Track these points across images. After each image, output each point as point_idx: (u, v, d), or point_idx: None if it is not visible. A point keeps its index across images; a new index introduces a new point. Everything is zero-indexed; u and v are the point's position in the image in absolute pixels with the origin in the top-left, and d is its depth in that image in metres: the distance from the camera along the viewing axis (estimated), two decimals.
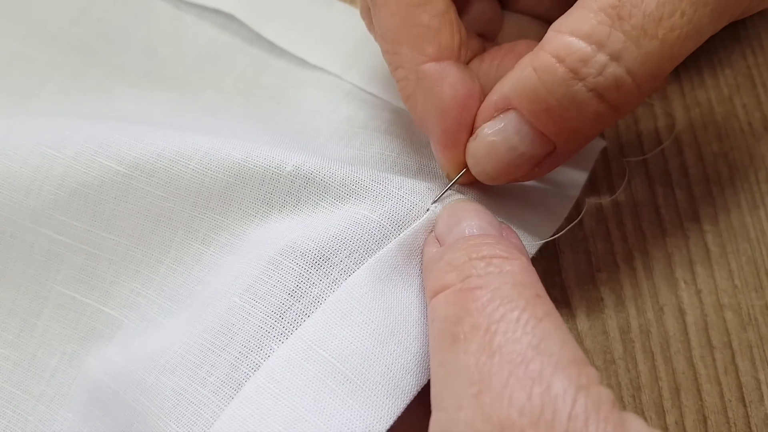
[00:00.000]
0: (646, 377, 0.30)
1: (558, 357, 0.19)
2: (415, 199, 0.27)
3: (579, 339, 0.31)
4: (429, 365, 0.23)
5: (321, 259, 0.25)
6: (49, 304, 0.30)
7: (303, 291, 0.25)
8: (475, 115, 0.26)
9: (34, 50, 0.37)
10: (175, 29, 0.38)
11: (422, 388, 0.23)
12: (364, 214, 0.26)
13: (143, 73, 0.37)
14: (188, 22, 0.38)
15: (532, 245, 0.29)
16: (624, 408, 0.30)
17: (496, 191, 0.29)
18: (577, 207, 0.32)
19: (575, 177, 0.32)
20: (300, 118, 0.34)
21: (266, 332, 0.24)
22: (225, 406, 0.23)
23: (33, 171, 0.29)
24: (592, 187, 0.34)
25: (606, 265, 0.32)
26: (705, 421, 0.29)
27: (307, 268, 0.25)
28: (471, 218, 0.25)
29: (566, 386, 0.18)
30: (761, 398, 0.30)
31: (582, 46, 0.23)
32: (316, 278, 0.25)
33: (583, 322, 0.31)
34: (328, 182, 0.27)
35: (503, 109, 0.25)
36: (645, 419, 0.29)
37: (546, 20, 0.32)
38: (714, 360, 0.31)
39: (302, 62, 0.36)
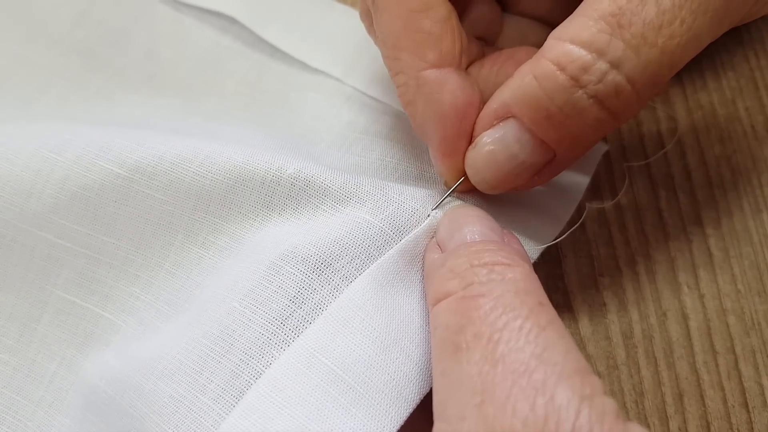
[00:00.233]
0: (649, 383, 0.30)
1: (561, 366, 0.19)
2: (416, 205, 0.27)
3: (582, 344, 0.31)
4: (431, 373, 0.23)
5: (322, 265, 0.25)
6: (48, 308, 0.30)
7: (305, 297, 0.25)
8: (475, 123, 0.26)
9: (35, 54, 0.37)
10: (176, 32, 0.38)
11: (425, 396, 0.23)
12: (365, 218, 0.26)
13: (144, 77, 0.36)
14: (189, 25, 0.38)
15: (534, 250, 0.29)
16: (627, 413, 0.30)
17: (496, 196, 0.29)
18: (579, 211, 0.31)
19: (577, 181, 0.32)
20: (301, 123, 0.34)
21: (268, 339, 0.24)
22: (226, 414, 0.23)
23: (34, 175, 0.29)
24: (594, 191, 0.34)
25: (609, 270, 0.32)
26: (708, 427, 0.29)
27: (308, 273, 0.25)
28: (472, 224, 0.25)
29: (570, 397, 0.18)
30: (764, 404, 0.30)
31: (582, 54, 0.23)
32: (317, 284, 0.25)
33: (585, 327, 0.31)
34: (329, 185, 0.27)
35: (503, 117, 0.25)
36: (648, 425, 0.29)
37: (547, 23, 0.32)
38: (717, 365, 0.30)
39: (303, 65, 0.36)
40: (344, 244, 0.25)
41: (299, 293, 0.25)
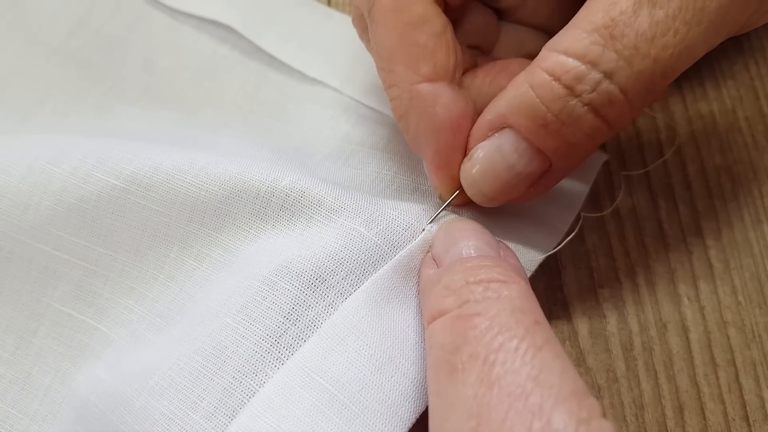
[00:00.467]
0: (649, 396, 0.30)
1: (558, 389, 0.19)
2: (411, 219, 0.27)
3: (581, 357, 0.31)
4: (426, 390, 0.23)
5: (317, 281, 0.25)
6: (45, 321, 0.29)
7: (299, 314, 0.24)
8: (468, 135, 0.26)
9: (31, 64, 0.37)
10: (173, 41, 0.37)
11: (422, 413, 0.23)
12: (359, 231, 0.26)
13: (142, 89, 0.36)
14: (186, 34, 0.37)
15: (532, 262, 0.28)
16: (627, 427, 0.29)
17: (492, 208, 0.29)
18: (577, 221, 0.31)
19: (576, 191, 0.32)
20: (299, 135, 0.34)
21: (261, 357, 0.24)
22: None
23: (31, 186, 0.29)
24: (593, 201, 0.34)
25: (608, 281, 0.32)
26: None
27: (302, 289, 0.25)
28: (468, 238, 0.25)
29: (567, 421, 0.18)
30: (765, 417, 0.29)
31: (576, 65, 0.23)
32: (312, 300, 0.25)
33: (585, 340, 0.31)
34: (323, 197, 0.27)
35: (498, 127, 0.25)
36: None
37: (545, 31, 0.31)
38: (717, 378, 0.30)
39: (302, 75, 0.36)
40: (339, 258, 0.25)
41: (293, 310, 0.24)
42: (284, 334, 0.24)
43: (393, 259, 0.26)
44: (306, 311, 0.24)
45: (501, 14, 0.32)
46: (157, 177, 0.28)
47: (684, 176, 0.34)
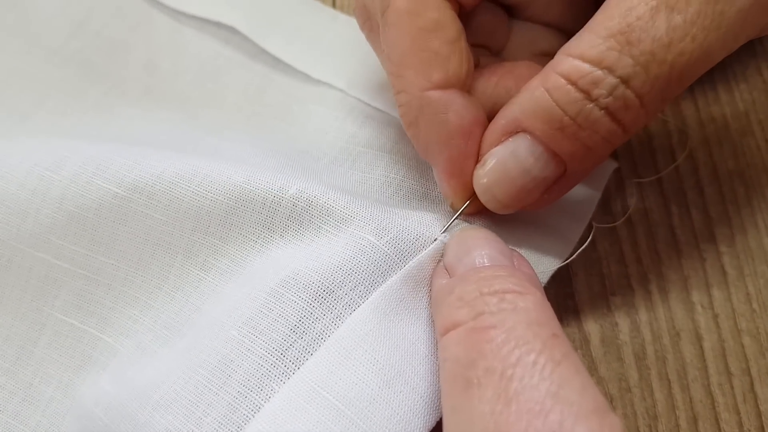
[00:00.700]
0: (663, 406, 0.29)
1: (578, 406, 0.18)
2: (422, 229, 0.26)
3: (593, 366, 0.30)
4: (438, 405, 0.23)
5: (324, 292, 0.24)
6: (46, 330, 0.29)
7: (306, 326, 0.24)
8: (480, 142, 0.26)
9: (31, 66, 0.36)
10: (175, 43, 0.37)
11: (432, 429, 0.22)
12: (369, 240, 0.25)
13: (143, 90, 0.36)
14: (189, 36, 0.37)
15: (544, 272, 0.28)
16: None
17: (504, 217, 0.28)
18: (589, 229, 0.31)
19: (587, 199, 0.32)
20: (304, 137, 0.33)
21: (267, 371, 0.23)
22: None
23: (30, 194, 0.28)
24: (605, 207, 0.33)
25: (620, 289, 0.32)
26: None
27: (310, 301, 0.24)
28: (481, 247, 0.25)
29: None
30: None
31: (593, 69, 0.23)
32: (319, 313, 0.24)
33: (597, 349, 0.30)
34: (332, 205, 0.26)
35: (512, 132, 0.25)
36: None
37: (558, 28, 0.31)
38: (732, 388, 0.30)
39: (306, 77, 0.35)
40: (347, 269, 0.25)
41: (300, 322, 0.24)
42: (291, 347, 0.23)
43: (403, 269, 0.25)
44: (313, 324, 0.24)
45: (511, 12, 0.31)
46: (159, 185, 0.27)
47: (696, 181, 0.34)
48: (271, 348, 0.23)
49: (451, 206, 0.27)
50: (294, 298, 0.24)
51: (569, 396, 0.18)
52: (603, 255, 0.32)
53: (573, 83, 0.23)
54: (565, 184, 0.26)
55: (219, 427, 0.23)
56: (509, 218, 0.28)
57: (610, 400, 0.29)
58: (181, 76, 0.36)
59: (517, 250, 0.27)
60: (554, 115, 0.23)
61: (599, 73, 0.23)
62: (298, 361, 0.23)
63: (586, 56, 0.23)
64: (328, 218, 0.26)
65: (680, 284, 0.32)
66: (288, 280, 0.25)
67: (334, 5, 0.38)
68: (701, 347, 0.30)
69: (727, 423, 0.29)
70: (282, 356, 0.23)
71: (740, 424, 0.29)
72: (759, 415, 0.29)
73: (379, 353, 0.23)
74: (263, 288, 0.25)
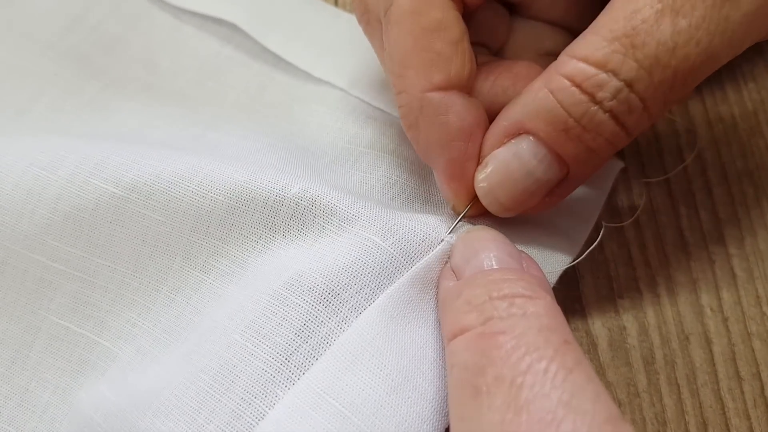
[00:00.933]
0: (672, 411, 0.29)
1: (591, 416, 0.18)
2: (428, 229, 0.26)
3: (601, 370, 0.29)
4: (446, 411, 0.22)
5: (330, 295, 0.24)
6: (41, 334, 0.28)
7: (311, 330, 0.23)
8: (481, 144, 0.26)
9: (26, 61, 0.36)
10: (175, 40, 0.36)
11: None
12: (374, 241, 0.25)
13: (141, 86, 0.35)
14: (189, 34, 0.36)
15: (552, 273, 0.27)
16: None
17: (508, 219, 0.27)
18: (597, 230, 0.30)
19: (593, 200, 0.31)
20: (305, 136, 0.33)
21: (271, 376, 0.22)
22: None
23: (25, 194, 0.28)
24: (612, 208, 0.32)
25: (628, 291, 0.31)
26: None
27: (314, 304, 0.23)
28: (489, 249, 0.24)
29: None
30: None
31: (597, 72, 0.23)
32: (324, 316, 0.23)
33: (605, 353, 0.30)
34: (336, 204, 0.26)
35: (514, 134, 0.25)
36: None
37: (561, 26, 0.31)
38: (743, 392, 0.29)
39: (307, 76, 0.35)
40: (353, 271, 0.24)
41: (305, 326, 0.23)
42: (295, 351, 0.23)
43: (409, 272, 0.25)
44: (318, 327, 0.23)
45: (514, 9, 0.31)
46: (158, 185, 0.27)
47: (705, 182, 0.33)
48: (275, 352, 0.23)
49: (453, 209, 0.27)
50: (298, 301, 0.24)
51: (582, 405, 0.18)
52: (610, 257, 0.32)
53: (577, 85, 0.23)
54: (566, 186, 0.25)
55: None
56: (511, 221, 0.27)
57: (619, 405, 0.29)
58: (180, 74, 0.36)
59: (525, 251, 0.26)
60: (558, 116, 0.23)
61: (604, 75, 0.23)
62: (303, 366, 0.23)
63: (590, 58, 0.23)
64: (332, 218, 0.25)
65: (689, 287, 0.31)
66: (291, 283, 0.24)
67: (336, 3, 0.38)
68: (711, 351, 0.30)
69: (737, 429, 0.28)
70: (286, 361, 0.23)
71: (751, 430, 0.28)
72: None
73: (386, 358, 0.23)
74: (266, 290, 0.24)
